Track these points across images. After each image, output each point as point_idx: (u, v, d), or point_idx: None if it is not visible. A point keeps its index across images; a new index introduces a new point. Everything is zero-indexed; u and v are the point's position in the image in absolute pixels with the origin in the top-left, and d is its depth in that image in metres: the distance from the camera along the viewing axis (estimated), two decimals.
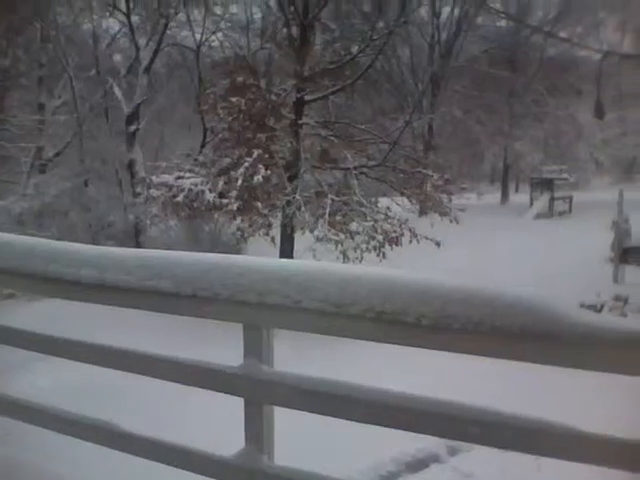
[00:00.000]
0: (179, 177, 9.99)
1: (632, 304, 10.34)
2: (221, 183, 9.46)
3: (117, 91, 14.71)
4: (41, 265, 2.15)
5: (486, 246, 14.53)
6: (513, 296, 1.55)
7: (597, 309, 9.40)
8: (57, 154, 15.30)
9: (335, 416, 1.81)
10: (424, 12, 24.05)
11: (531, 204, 23.73)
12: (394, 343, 1.73)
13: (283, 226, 10.26)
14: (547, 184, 23.55)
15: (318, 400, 1.79)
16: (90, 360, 2.29)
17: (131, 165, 14.45)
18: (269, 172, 9.50)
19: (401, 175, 10.83)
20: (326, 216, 9.27)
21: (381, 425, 1.74)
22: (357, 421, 1.78)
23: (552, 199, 23.16)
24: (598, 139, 27.02)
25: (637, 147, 26.31)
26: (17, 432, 2.70)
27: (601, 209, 15.94)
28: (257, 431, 1.90)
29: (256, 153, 9.32)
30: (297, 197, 9.39)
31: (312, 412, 1.84)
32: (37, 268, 2.16)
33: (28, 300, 8.86)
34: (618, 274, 12.32)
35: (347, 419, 1.80)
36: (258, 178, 9.10)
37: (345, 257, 9.31)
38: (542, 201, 23.35)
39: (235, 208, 9.13)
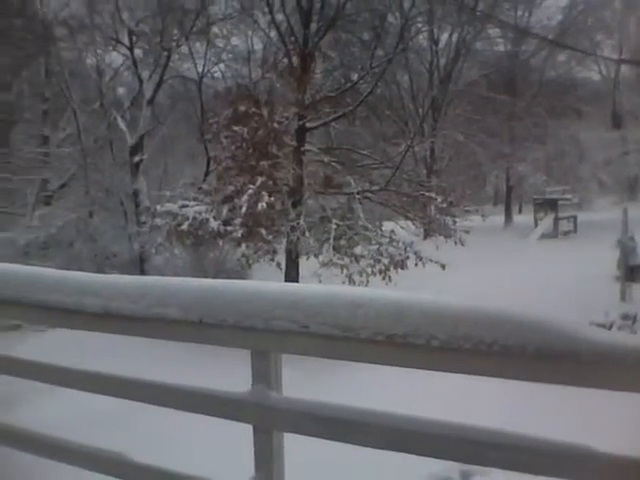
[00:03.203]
0: (183, 206, 10.02)
1: None
2: (225, 210, 9.48)
3: (121, 123, 14.86)
4: (44, 295, 2.13)
5: (492, 267, 14.46)
6: (525, 316, 1.52)
7: (606, 328, 9.30)
8: (62, 186, 15.41)
9: (346, 442, 1.76)
10: (422, 39, 24.40)
11: (535, 225, 23.68)
12: (405, 366, 1.70)
13: (288, 252, 10.24)
14: (551, 204, 23.53)
15: (328, 426, 1.75)
16: (96, 390, 2.26)
17: (135, 195, 14.53)
18: (273, 199, 9.52)
19: (404, 199, 10.84)
20: (331, 241, 9.27)
21: (394, 450, 1.69)
22: (369, 447, 1.73)
23: (556, 219, 23.13)
24: (600, 159, 27.04)
25: (639, 166, 26.27)
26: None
27: (605, 228, 15.89)
28: (267, 459, 1.86)
29: (260, 180, 9.35)
30: (301, 223, 9.40)
31: (322, 438, 1.79)
32: (40, 297, 2.14)
33: (34, 331, 8.83)
34: (625, 292, 12.21)
35: (359, 445, 1.75)
36: (262, 205, 9.11)
37: (351, 281, 9.27)
38: (546, 221, 23.32)
39: (240, 235, 9.14)
